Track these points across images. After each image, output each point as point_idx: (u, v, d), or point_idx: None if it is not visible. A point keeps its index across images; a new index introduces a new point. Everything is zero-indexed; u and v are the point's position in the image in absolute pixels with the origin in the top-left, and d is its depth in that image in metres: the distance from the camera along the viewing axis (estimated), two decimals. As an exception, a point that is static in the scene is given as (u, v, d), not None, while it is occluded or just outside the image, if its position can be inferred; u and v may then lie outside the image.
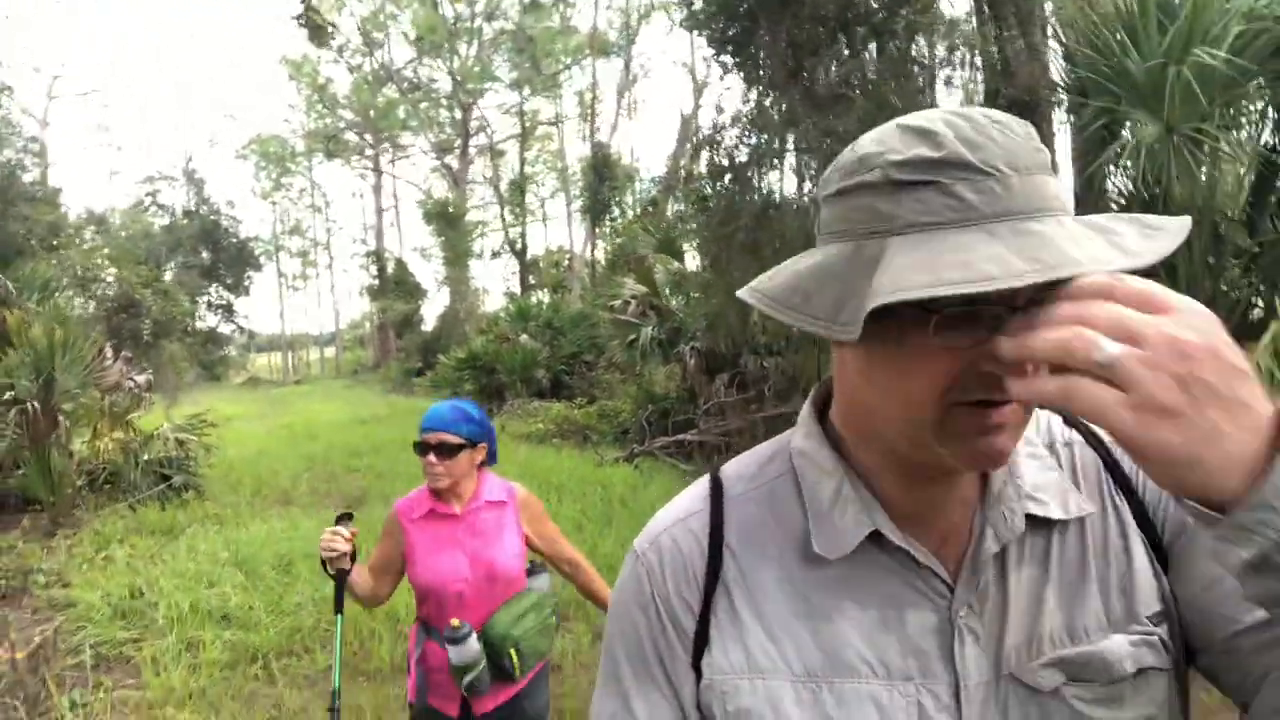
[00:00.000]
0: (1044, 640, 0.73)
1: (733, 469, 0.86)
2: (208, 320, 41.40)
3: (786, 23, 8.60)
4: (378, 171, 43.10)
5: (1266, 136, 6.23)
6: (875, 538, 0.74)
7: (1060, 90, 7.19)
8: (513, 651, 2.38)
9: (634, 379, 13.43)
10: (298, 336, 65.26)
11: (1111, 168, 6.77)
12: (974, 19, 8.54)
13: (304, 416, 20.30)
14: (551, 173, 41.06)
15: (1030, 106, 7.71)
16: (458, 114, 37.75)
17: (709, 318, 9.94)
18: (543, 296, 26.86)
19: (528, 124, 38.27)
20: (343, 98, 42.04)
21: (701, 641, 0.77)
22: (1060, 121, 7.58)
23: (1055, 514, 0.75)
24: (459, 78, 33.31)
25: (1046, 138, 8.49)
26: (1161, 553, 0.77)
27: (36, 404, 8.05)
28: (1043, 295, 0.59)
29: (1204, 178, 5.93)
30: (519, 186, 33.43)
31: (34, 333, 8.31)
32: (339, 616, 2.65)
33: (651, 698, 0.79)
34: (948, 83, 8.44)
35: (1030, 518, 0.75)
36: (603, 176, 20.94)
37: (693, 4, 9.59)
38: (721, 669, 0.76)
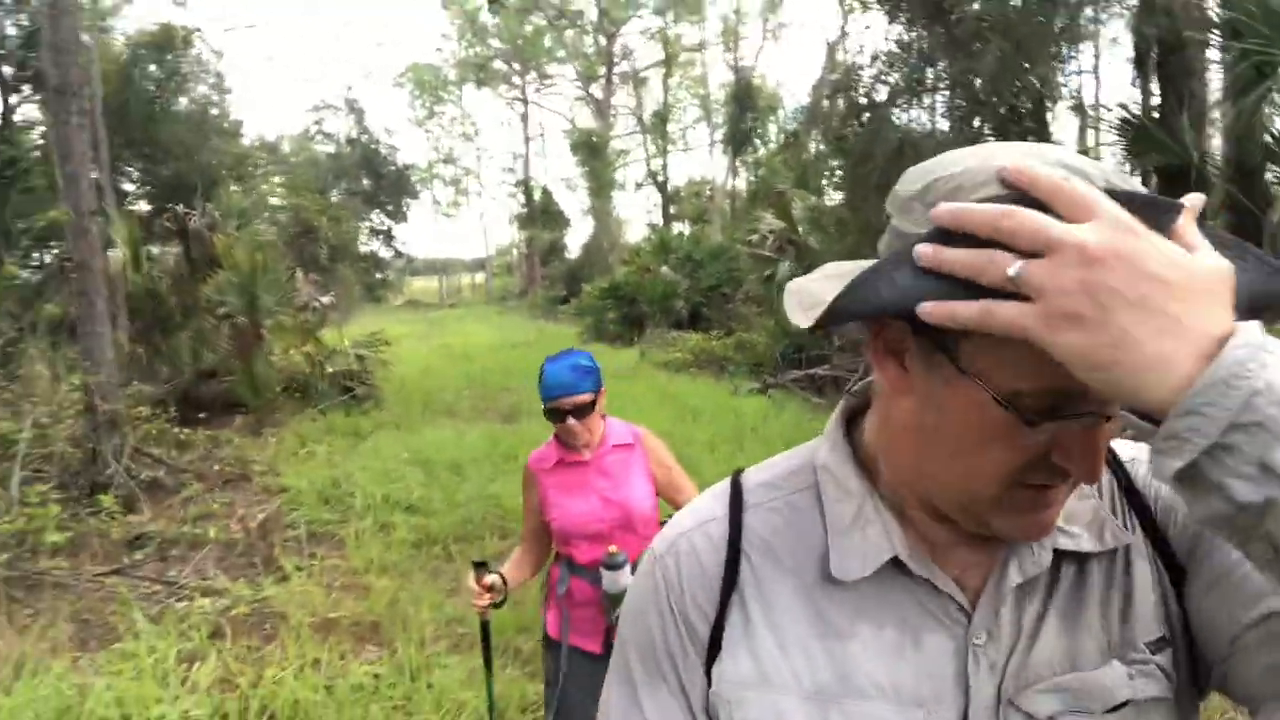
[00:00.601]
0: (1043, 666, 0.72)
1: (755, 476, 0.85)
2: (370, 245, 43.91)
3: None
4: (525, 101, 44.15)
5: None
6: (895, 562, 0.74)
7: (1214, 30, 7.08)
8: None
9: (770, 313, 13.86)
10: (450, 262, 68.17)
11: (1266, 108, 6.74)
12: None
13: (460, 338, 21.70)
14: (695, 101, 41.11)
15: (1179, 46, 7.62)
16: (602, 41, 38.17)
17: (844, 255, 10.23)
18: (684, 228, 27.36)
19: (671, 50, 38.35)
20: (491, 26, 43.08)
21: (714, 648, 0.78)
22: (1212, 61, 7.46)
23: (1086, 547, 0.74)
24: (603, 5, 33.59)
25: (1198, 74, 8.33)
26: (1177, 571, 0.76)
27: (244, 319, 9.26)
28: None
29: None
30: (661, 117, 33.70)
31: (239, 256, 9.49)
32: (487, 670, 2.74)
33: (661, 698, 0.79)
34: (1095, 20, 8.34)
35: (1060, 551, 0.74)
36: (744, 106, 21.08)
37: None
38: (731, 678, 0.76)
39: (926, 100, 9.17)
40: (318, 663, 4.03)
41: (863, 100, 8.97)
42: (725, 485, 0.85)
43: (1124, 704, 0.71)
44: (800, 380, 11.11)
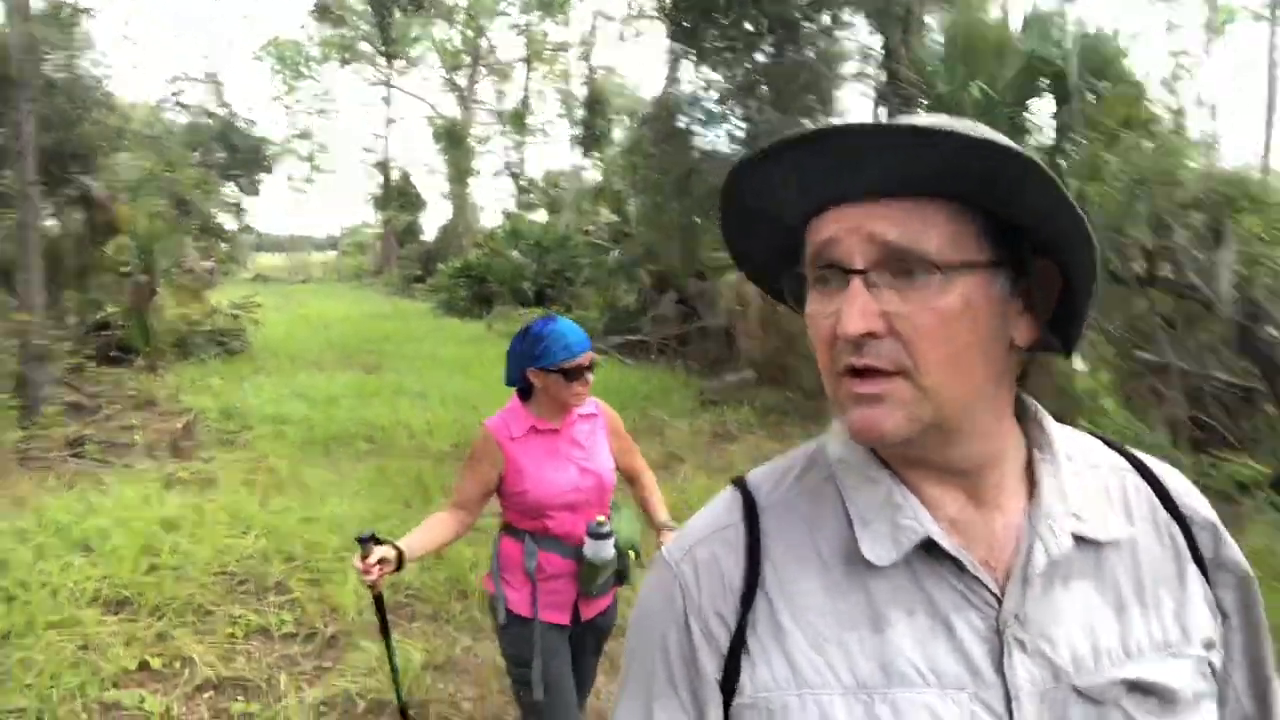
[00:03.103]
0: (1101, 655, 0.73)
1: (761, 479, 0.85)
2: (219, 218, 43.57)
3: (730, 21, 11.19)
4: (388, 85, 44.93)
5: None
6: (924, 545, 0.74)
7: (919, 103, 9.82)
8: (631, 553, 2.51)
9: (601, 292, 16.19)
10: (300, 239, 67.44)
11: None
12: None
13: (317, 310, 23.02)
14: (558, 96, 43.08)
15: (909, 98, 10.41)
16: (469, 33, 39.55)
17: (647, 247, 12.69)
18: (538, 217, 29.37)
19: (535, 47, 40.17)
20: (358, 7, 43.58)
21: (735, 657, 0.76)
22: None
23: (1096, 534, 0.76)
24: (469, 6, 35.20)
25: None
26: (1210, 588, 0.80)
27: (143, 277, 10.82)
28: (884, 258, 0.70)
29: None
30: (519, 112, 35.63)
31: (140, 223, 11.02)
32: (386, 643, 2.59)
33: (674, 713, 0.78)
34: (839, 77, 11.08)
35: (1077, 537, 0.76)
36: (595, 110, 23.34)
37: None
38: (766, 685, 0.74)
39: (717, 129, 11.72)
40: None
41: (666, 127, 11.41)
42: (733, 492, 0.85)
43: (1185, 700, 0.74)
44: (619, 345, 13.46)
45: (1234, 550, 0.83)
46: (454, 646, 4.15)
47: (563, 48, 40.04)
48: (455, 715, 3.63)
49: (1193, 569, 0.80)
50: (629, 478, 2.69)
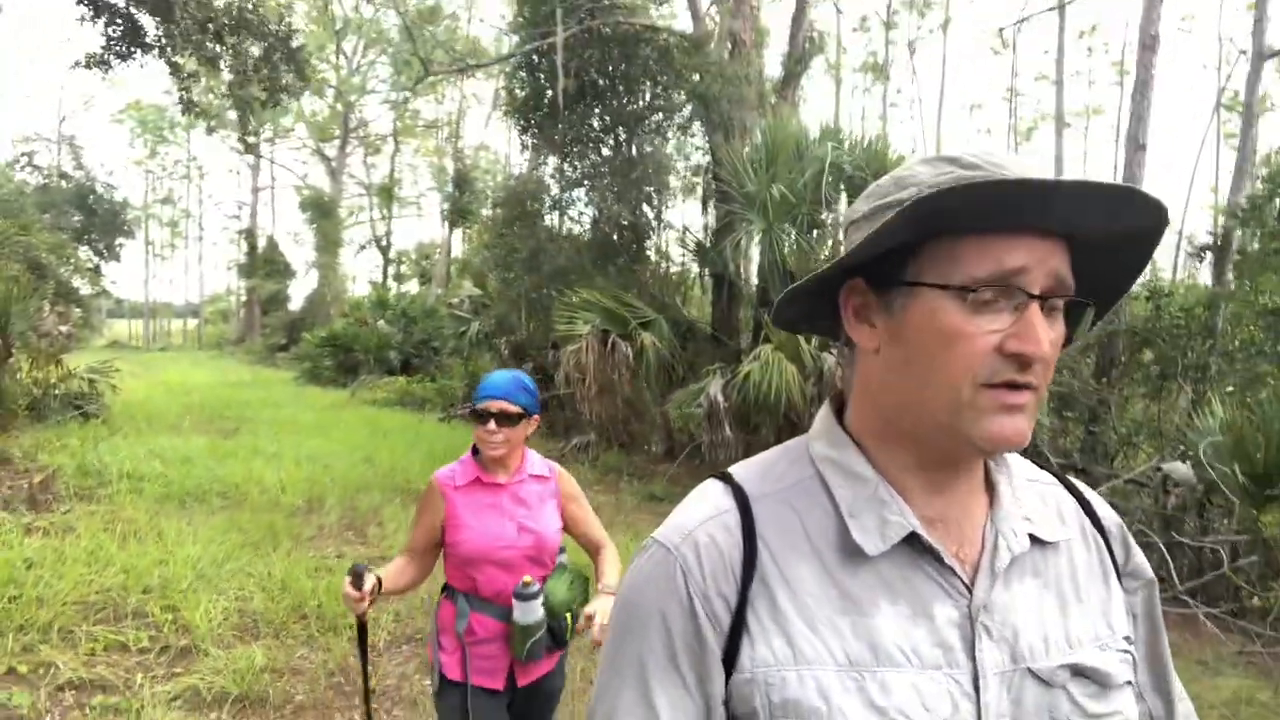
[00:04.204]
0: (1050, 644, 0.83)
1: (747, 474, 0.91)
2: (74, 282, 42.07)
3: (573, 116, 12.44)
4: (257, 154, 44.87)
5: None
6: (907, 539, 0.82)
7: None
8: (568, 617, 2.44)
9: (463, 360, 16.95)
10: (158, 305, 65.28)
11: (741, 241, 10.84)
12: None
13: (176, 377, 22.87)
14: (429, 170, 43.98)
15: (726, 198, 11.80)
16: (339, 107, 40.20)
17: (498, 318, 13.66)
18: (408, 287, 29.94)
19: (405, 124, 41.11)
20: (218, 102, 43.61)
21: (735, 635, 0.81)
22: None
23: (1045, 535, 0.87)
24: (338, 86, 35.98)
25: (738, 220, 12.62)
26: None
27: (-3, 340, 11.01)
28: (1055, 290, 0.77)
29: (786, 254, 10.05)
30: (387, 187, 36.38)
31: (-5, 287, 11.23)
32: (364, 669, 2.65)
33: (674, 694, 0.81)
34: (674, 173, 12.47)
35: (1031, 537, 0.86)
36: (461, 187, 24.36)
37: (517, 92, 13.31)
38: (765, 661, 0.79)
39: (564, 212, 12.90)
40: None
41: (515, 210, 12.53)
42: (719, 484, 0.90)
43: (1117, 685, 0.84)
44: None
45: (1141, 558, 0.95)
46: (292, 654, 4.87)
47: (434, 125, 41.19)
48: (288, 705, 4.36)
49: (1114, 576, 0.91)
50: (588, 550, 2.70)
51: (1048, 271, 0.76)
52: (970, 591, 0.82)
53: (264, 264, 40.40)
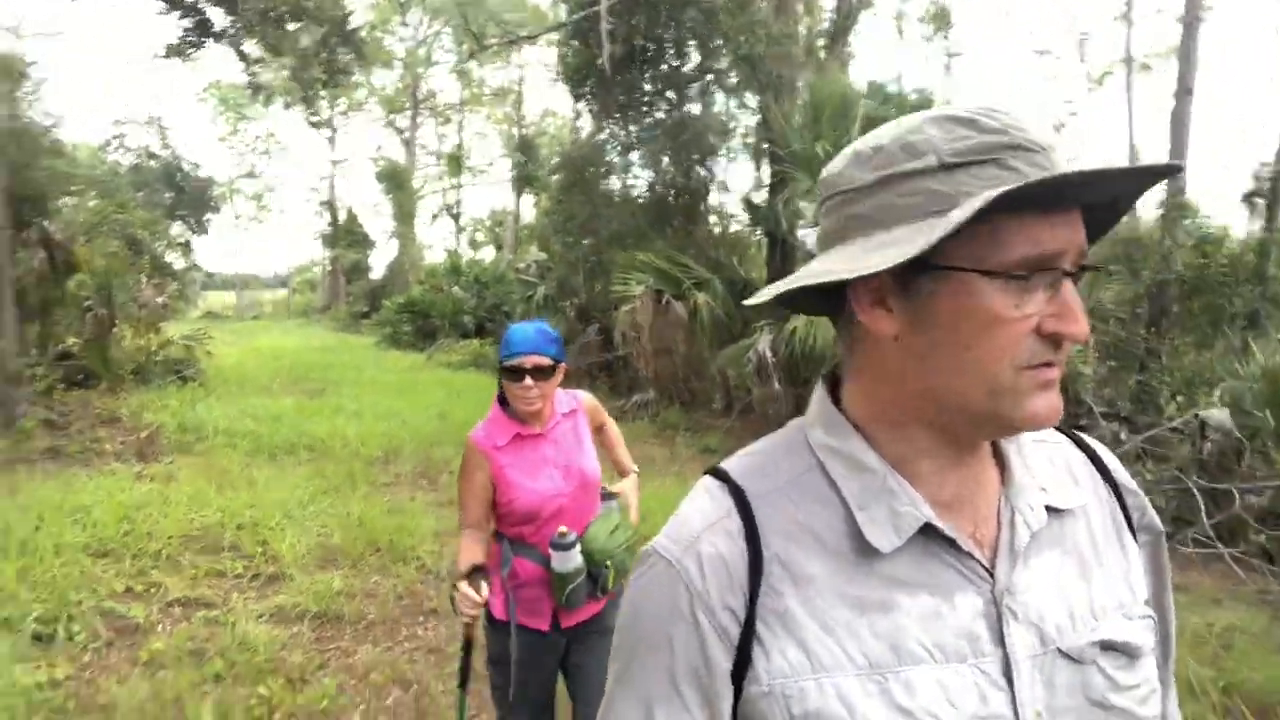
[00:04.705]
0: (1077, 620, 0.80)
1: (741, 469, 0.86)
2: (167, 256, 44.22)
3: (623, 82, 12.79)
4: (333, 128, 46.19)
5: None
6: (922, 528, 0.78)
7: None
8: (609, 565, 2.46)
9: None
10: (248, 277, 67.96)
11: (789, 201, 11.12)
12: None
13: (266, 344, 24.11)
14: (499, 136, 44.73)
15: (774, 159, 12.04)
16: (407, 80, 41.09)
17: (559, 282, 14.17)
18: (484, 253, 30.79)
19: (474, 91, 41.81)
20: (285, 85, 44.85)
21: (746, 647, 0.78)
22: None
23: (1061, 504, 0.84)
24: (405, 58, 36.80)
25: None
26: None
27: (103, 311, 12.00)
28: (1079, 261, 0.74)
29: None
30: (455, 157, 37.20)
31: (98, 263, 12.22)
32: (461, 692, 2.59)
33: (675, 713, 0.79)
34: (724, 133, 12.74)
35: (1047, 508, 0.83)
36: (527, 155, 24.93)
37: (569, 60, 13.71)
38: (782, 672, 0.76)
39: (620, 176, 13.30)
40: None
41: (573, 176, 12.98)
42: (714, 483, 0.85)
43: (1144, 654, 0.82)
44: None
45: (1154, 514, 0.93)
46: (366, 580, 5.50)
47: (501, 92, 41.77)
48: (361, 622, 4.97)
49: (1128, 534, 0.89)
50: (617, 472, 2.84)
51: (1077, 247, 0.74)
52: (991, 575, 0.79)
53: (345, 234, 41.73)
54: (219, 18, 10.78)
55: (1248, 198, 9.13)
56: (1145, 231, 9.34)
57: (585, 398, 2.70)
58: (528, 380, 2.41)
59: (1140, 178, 0.74)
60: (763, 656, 0.77)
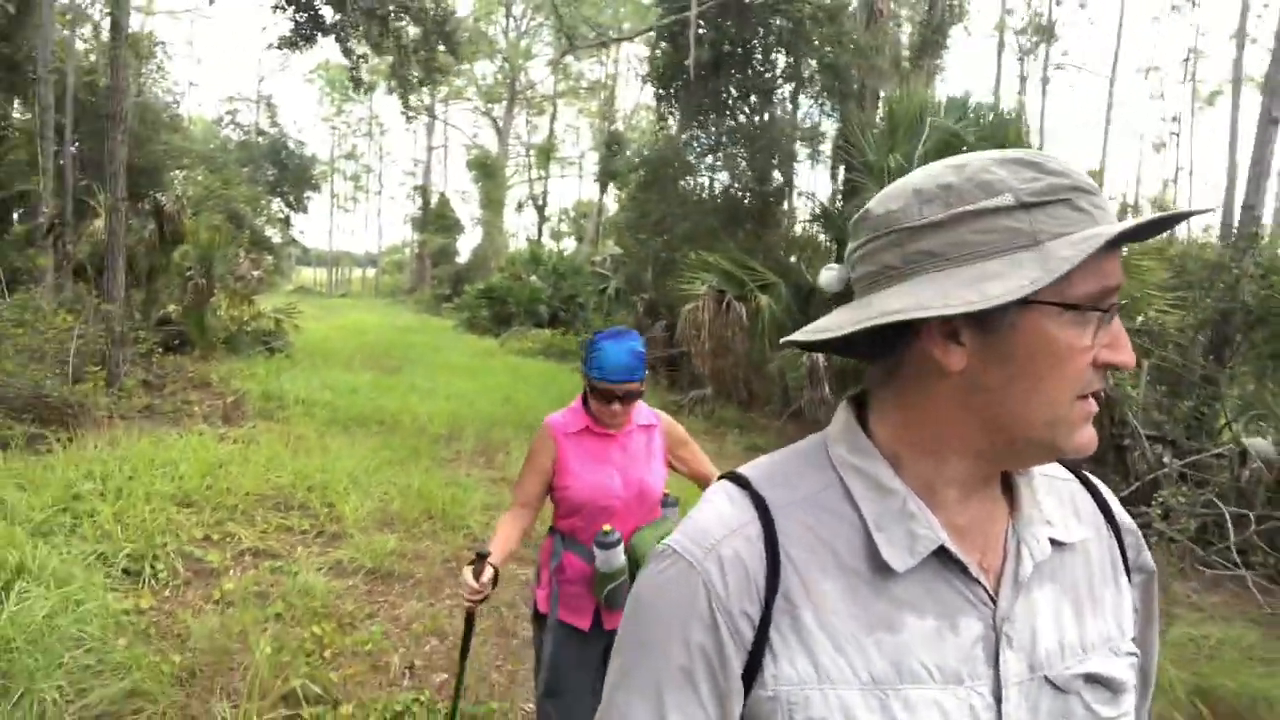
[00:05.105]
0: (1066, 651, 0.83)
1: (765, 479, 0.87)
2: (267, 231, 46.19)
3: (709, 85, 13.08)
4: (431, 114, 47.52)
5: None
6: (935, 550, 0.80)
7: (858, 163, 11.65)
8: None
9: (601, 315, 18.05)
10: (341, 255, 70.38)
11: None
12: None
13: (352, 321, 25.17)
14: (591, 131, 45.46)
15: (851, 168, 12.18)
16: (502, 75, 42.11)
17: (628, 277, 14.54)
18: (567, 244, 31.43)
19: (571, 84, 42.59)
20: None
21: (758, 653, 0.80)
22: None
23: (1063, 537, 0.87)
24: (505, 50, 37.65)
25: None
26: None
27: (203, 280, 12.83)
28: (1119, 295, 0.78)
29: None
30: (544, 149, 37.93)
31: (203, 235, 13.06)
32: (462, 661, 2.65)
33: (690, 710, 0.80)
34: (804, 140, 12.92)
35: (1051, 540, 0.86)
36: (612, 149, 25.37)
37: (657, 61, 14.05)
38: (789, 680, 0.79)
39: (697, 177, 13.60)
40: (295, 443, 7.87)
41: (651, 175, 13.34)
42: (736, 490, 0.87)
43: (1125, 690, 0.86)
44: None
45: (1148, 554, 0.97)
46: (418, 544, 5.95)
47: (596, 87, 42.41)
48: (410, 579, 5.41)
49: (1123, 573, 0.92)
50: (699, 483, 2.72)
51: (1119, 281, 0.78)
52: (994, 602, 0.82)
53: (435, 219, 43.01)
54: (329, 13, 11.45)
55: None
56: (1215, 259, 9.24)
57: (666, 419, 2.70)
58: (616, 406, 2.47)
59: (1178, 220, 0.78)
60: (772, 663, 0.79)
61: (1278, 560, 6.09)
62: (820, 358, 9.48)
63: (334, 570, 5.35)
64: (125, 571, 4.93)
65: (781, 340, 0.96)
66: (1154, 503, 6.41)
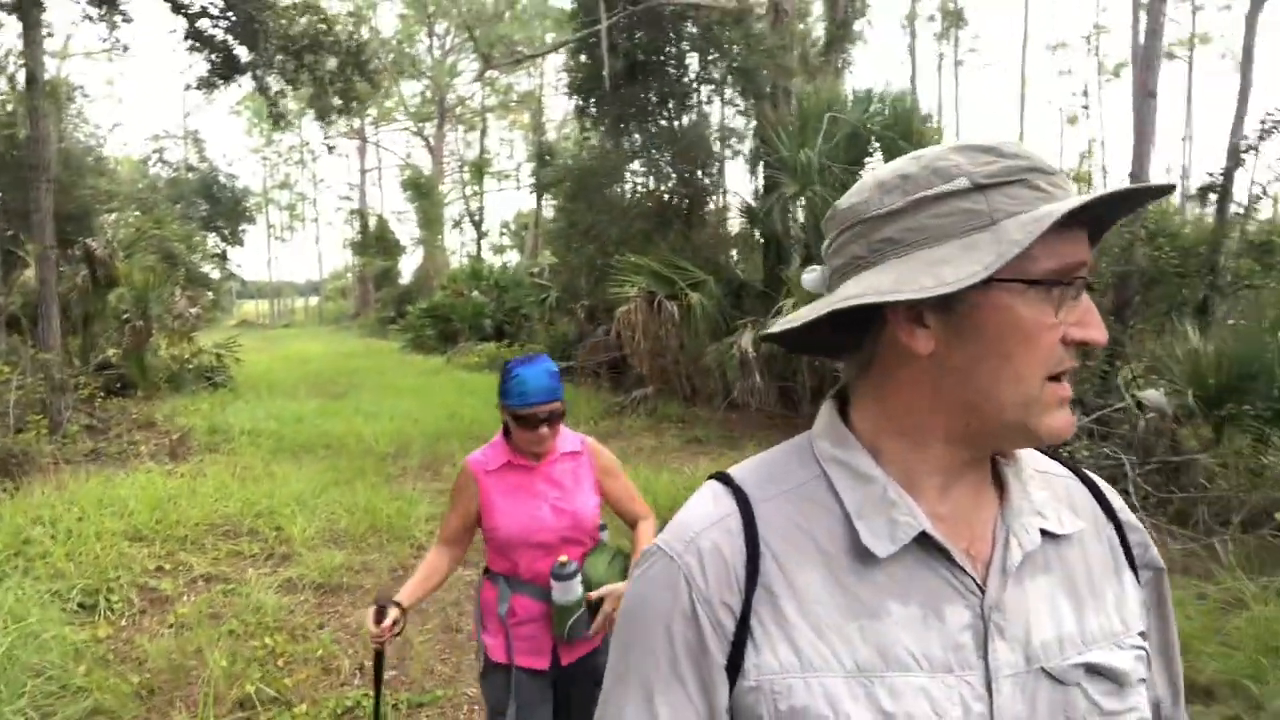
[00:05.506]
0: (1064, 642, 0.82)
1: (748, 475, 0.89)
2: (203, 267, 45.61)
3: (627, 93, 13.44)
4: (363, 138, 47.34)
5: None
6: (917, 538, 0.80)
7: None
8: None
9: (543, 325, 18.31)
10: (282, 285, 69.57)
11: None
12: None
13: (296, 350, 25.14)
14: (524, 142, 45.60)
15: (770, 165, 12.63)
16: (434, 90, 42.12)
17: (564, 286, 14.86)
18: (509, 257, 31.58)
19: (501, 98, 42.74)
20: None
21: (740, 643, 0.80)
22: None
23: (1056, 529, 0.86)
24: (431, 69, 37.75)
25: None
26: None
27: (140, 323, 12.88)
28: (1091, 272, 0.79)
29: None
30: (478, 165, 38.10)
31: (136, 277, 13.10)
32: (377, 700, 2.63)
33: (677, 702, 0.81)
34: (724, 140, 13.36)
35: (1042, 531, 0.85)
36: (545, 162, 25.65)
37: (575, 74, 14.39)
38: (771, 669, 0.79)
39: (622, 184, 13.96)
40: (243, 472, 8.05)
41: (580, 183, 13.71)
42: (719, 486, 0.89)
43: (1131, 683, 0.84)
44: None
45: (1155, 551, 0.96)
46: (366, 557, 6.20)
47: (526, 99, 42.64)
48: (358, 589, 5.66)
49: (1127, 568, 0.91)
50: (627, 523, 2.63)
51: (1088, 258, 0.79)
52: (982, 590, 0.81)
53: (375, 242, 42.76)
54: (244, 53, 11.59)
55: (1203, 192, 9.58)
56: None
57: (593, 444, 2.61)
58: (544, 429, 2.39)
59: (1148, 196, 0.80)
60: (754, 653, 0.80)
61: (1179, 505, 6.56)
62: (749, 348, 9.88)
63: (284, 587, 5.59)
64: (81, 605, 5.13)
65: (760, 335, 1.13)
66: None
